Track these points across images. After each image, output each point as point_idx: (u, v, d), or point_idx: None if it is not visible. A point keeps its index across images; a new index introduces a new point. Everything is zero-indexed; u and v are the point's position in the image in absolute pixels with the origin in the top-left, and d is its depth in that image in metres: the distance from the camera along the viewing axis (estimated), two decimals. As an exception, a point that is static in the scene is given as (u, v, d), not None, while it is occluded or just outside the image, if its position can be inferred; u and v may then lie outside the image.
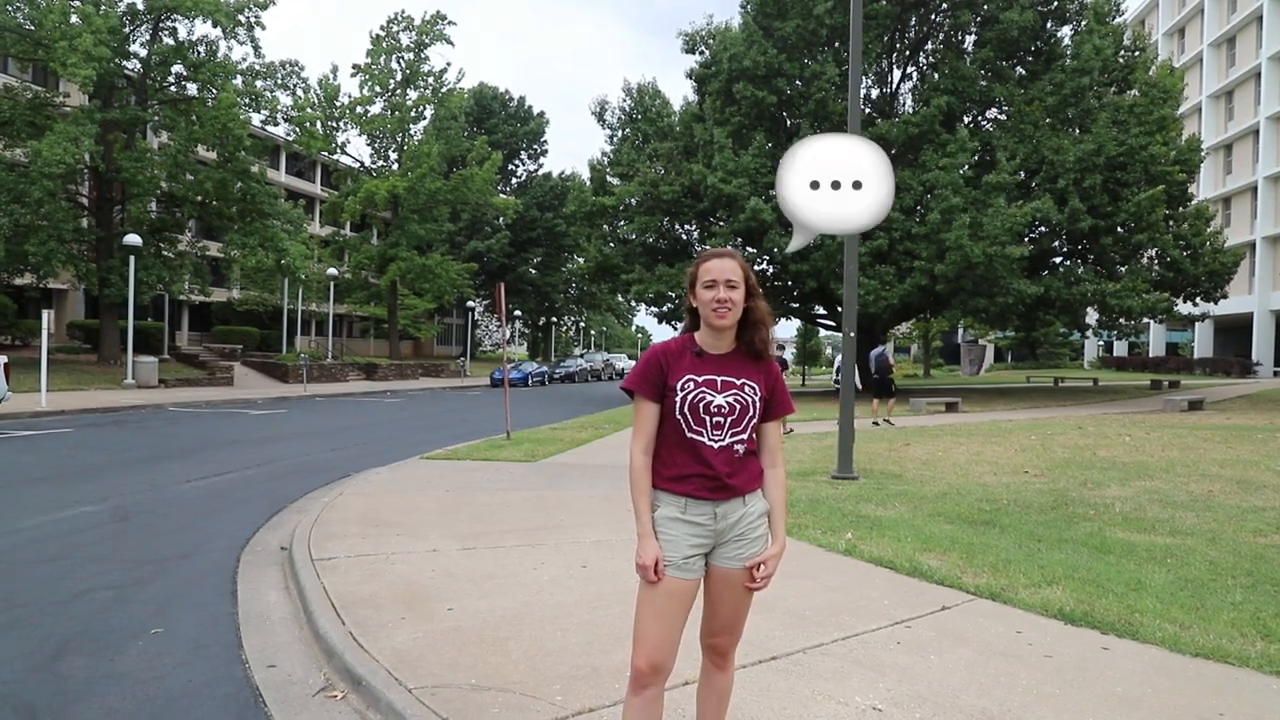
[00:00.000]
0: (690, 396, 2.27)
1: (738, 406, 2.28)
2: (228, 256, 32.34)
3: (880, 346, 18.08)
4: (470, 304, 52.66)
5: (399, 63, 43.26)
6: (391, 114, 43.14)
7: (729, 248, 2.44)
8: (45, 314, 19.49)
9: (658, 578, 2.26)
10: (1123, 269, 24.65)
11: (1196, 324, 33.87)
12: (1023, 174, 23.70)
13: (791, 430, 14.82)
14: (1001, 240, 20.73)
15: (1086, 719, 3.06)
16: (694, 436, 2.27)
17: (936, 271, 21.75)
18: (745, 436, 2.31)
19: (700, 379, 2.29)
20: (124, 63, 27.59)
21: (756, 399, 2.31)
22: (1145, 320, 29.39)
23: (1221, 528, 6.35)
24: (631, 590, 2.40)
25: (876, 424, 16.09)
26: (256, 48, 29.61)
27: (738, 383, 2.30)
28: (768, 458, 2.40)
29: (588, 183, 31.53)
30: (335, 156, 45.21)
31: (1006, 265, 21.02)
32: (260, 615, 4.54)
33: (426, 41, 42.91)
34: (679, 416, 2.28)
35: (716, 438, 2.28)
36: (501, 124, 60.70)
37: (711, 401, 2.27)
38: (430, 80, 44.18)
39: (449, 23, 43.17)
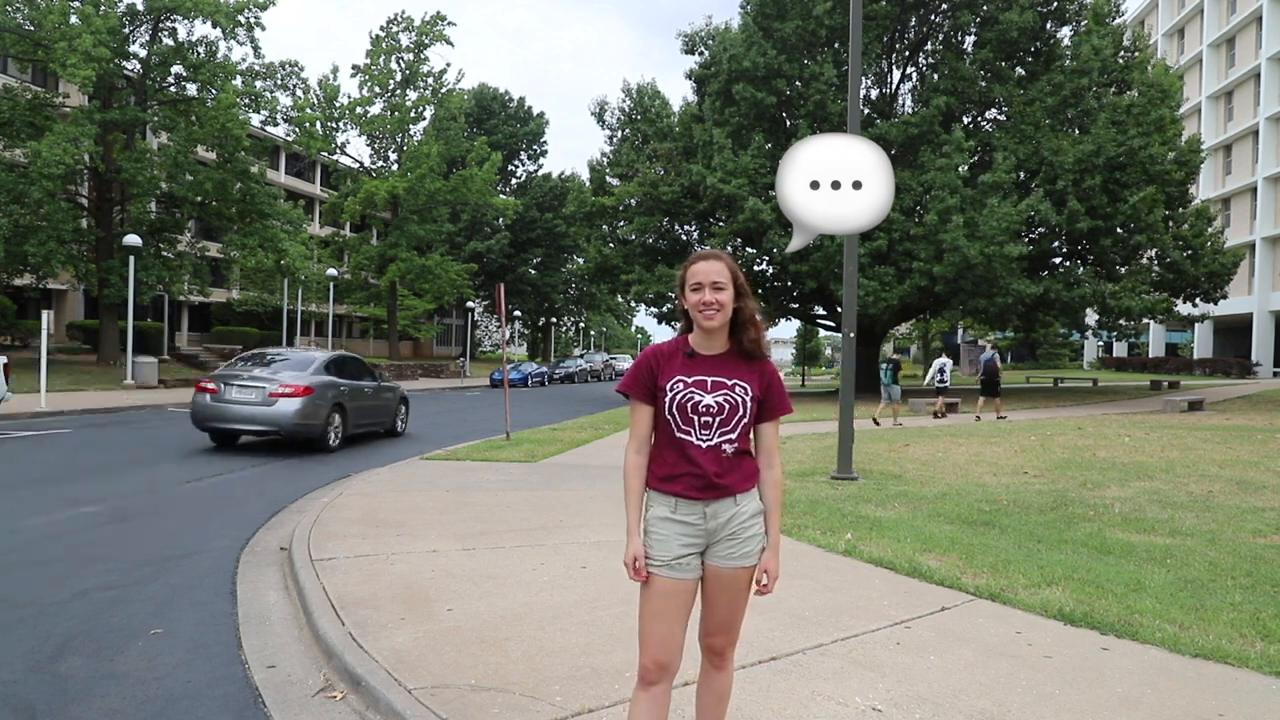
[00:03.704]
0: (679, 396, 2.28)
1: (727, 406, 2.28)
2: (227, 257, 32.35)
3: (991, 351, 19.15)
4: (470, 304, 52.66)
5: (399, 63, 43.27)
6: (391, 114, 43.14)
7: (718, 249, 2.43)
8: (45, 314, 19.48)
9: (639, 575, 2.28)
10: (1123, 270, 24.66)
11: (1196, 324, 33.88)
12: (1021, 174, 23.72)
13: (900, 424, 15.51)
14: (999, 240, 20.74)
15: (1086, 719, 3.06)
16: (683, 436, 2.30)
17: (935, 272, 21.75)
18: (734, 436, 2.30)
19: (690, 379, 2.30)
20: (124, 63, 27.60)
21: (748, 399, 2.30)
22: (1145, 321, 29.41)
23: (1221, 528, 6.35)
24: (631, 590, 2.41)
25: (979, 419, 17.73)
26: (256, 48, 29.62)
27: (728, 383, 2.30)
28: (764, 458, 2.40)
29: (587, 183, 31.54)
30: (335, 157, 45.22)
31: (1005, 265, 21.02)
32: (260, 616, 4.54)
33: (426, 42, 42.92)
34: (668, 416, 2.30)
35: (705, 437, 2.29)
36: (501, 124, 60.70)
37: (700, 401, 2.28)
38: (430, 81, 44.19)
39: (449, 23, 43.20)
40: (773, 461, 2.40)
